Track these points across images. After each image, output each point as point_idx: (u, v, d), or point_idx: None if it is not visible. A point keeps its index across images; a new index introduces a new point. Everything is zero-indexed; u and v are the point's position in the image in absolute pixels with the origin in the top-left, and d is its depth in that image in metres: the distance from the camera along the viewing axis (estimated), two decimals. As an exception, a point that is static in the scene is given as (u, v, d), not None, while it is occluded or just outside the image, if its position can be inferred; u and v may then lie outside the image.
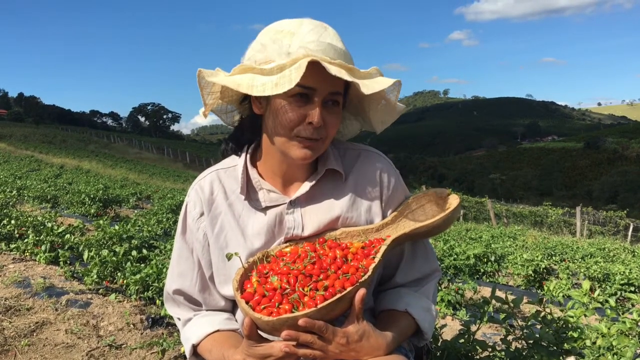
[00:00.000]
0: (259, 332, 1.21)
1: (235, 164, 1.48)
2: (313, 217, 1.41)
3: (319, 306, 1.15)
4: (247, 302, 1.21)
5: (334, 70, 1.19)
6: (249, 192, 1.43)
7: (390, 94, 1.41)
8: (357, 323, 1.22)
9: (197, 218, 1.45)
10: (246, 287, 1.26)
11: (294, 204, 1.41)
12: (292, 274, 1.23)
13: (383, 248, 1.31)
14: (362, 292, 1.21)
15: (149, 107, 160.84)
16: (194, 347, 1.42)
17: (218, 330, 1.42)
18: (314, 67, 1.20)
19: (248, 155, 1.46)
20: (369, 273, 1.24)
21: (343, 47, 1.31)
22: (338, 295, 1.17)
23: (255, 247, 1.39)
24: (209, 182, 1.46)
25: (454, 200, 1.44)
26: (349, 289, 1.19)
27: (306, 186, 1.41)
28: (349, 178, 1.45)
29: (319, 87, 1.25)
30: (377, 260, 1.28)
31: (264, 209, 1.42)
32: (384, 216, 1.45)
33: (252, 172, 1.43)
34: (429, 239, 1.57)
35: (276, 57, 1.27)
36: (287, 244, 1.39)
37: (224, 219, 1.43)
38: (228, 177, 1.46)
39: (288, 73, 1.20)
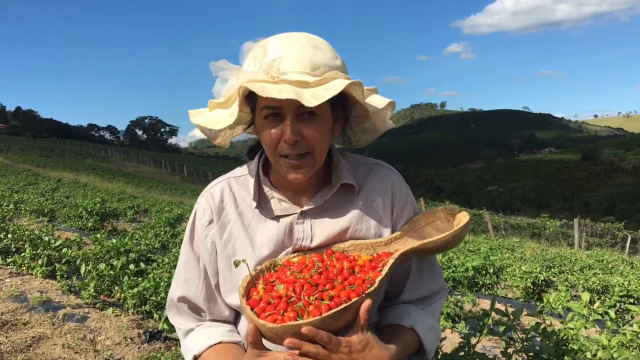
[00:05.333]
0: (264, 340, 1.21)
1: (246, 172, 1.49)
2: (322, 229, 1.41)
3: (323, 315, 1.15)
4: (252, 309, 1.21)
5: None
6: (260, 200, 1.43)
7: (381, 112, 1.38)
8: (361, 333, 1.21)
9: (206, 226, 1.45)
10: (252, 294, 1.26)
11: (305, 214, 1.41)
12: (298, 283, 1.23)
13: (390, 261, 1.31)
14: (367, 303, 1.20)
15: (146, 121, 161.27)
16: (195, 358, 1.42)
17: (221, 342, 1.41)
18: None
19: (260, 164, 1.46)
20: (376, 285, 1.24)
21: (308, 55, 1.27)
22: (343, 305, 1.17)
23: (263, 256, 1.39)
24: (219, 189, 1.47)
25: (463, 217, 1.44)
26: (354, 299, 1.19)
27: (320, 199, 1.41)
28: (361, 192, 1.45)
29: (284, 104, 1.23)
30: (384, 273, 1.27)
31: (275, 218, 1.42)
32: (393, 231, 1.45)
33: (264, 181, 1.44)
34: (436, 257, 1.57)
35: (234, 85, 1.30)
36: (295, 254, 1.39)
37: (233, 227, 1.43)
38: (239, 186, 1.47)
39: (229, 111, 1.29)
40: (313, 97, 1.17)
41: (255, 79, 1.23)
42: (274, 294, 1.23)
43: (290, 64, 1.25)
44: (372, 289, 1.23)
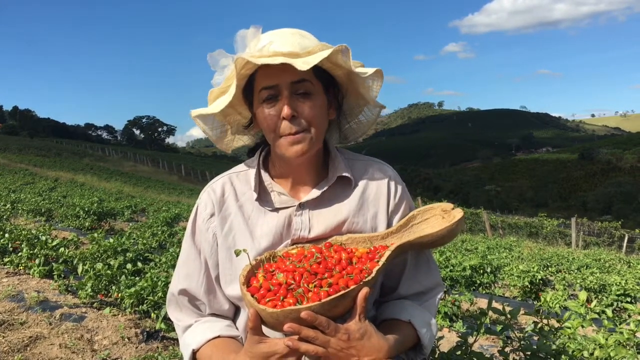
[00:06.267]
0: (263, 328, 1.23)
1: (247, 168, 1.53)
2: (320, 220, 1.44)
3: (322, 301, 1.17)
4: (252, 295, 1.23)
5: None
6: (261, 193, 1.47)
7: (369, 82, 1.44)
8: (359, 321, 1.23)
9: (208, 219, 1.48)
10: (252, 283, 1.29)
11: (303, 206, 1.44)
12: (297, 272, 1.26)
13: (387, 253, 1.34)
14: (365, 290, 1.22)
15: (144, 120, 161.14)
16: (194, 353, 1.43)
17: (219, 336, 1.42)
18: (266, 68, 1.32)
19: (261, 159, 1.51)
20: (373, 274, 1.27)
21: (297, 40, 1.35)
22: (342, 292, 1.19)
23: (262, 247, 1.42)
24: (220, 184, 1.51)
25: (458, 213, 1.47)
26: (352, 286, 1.21)
27: (317, 192, 1.45)
28: (357, 185, 1.49)
29: (278, 82, 1.32)
30: (381, 263, 1.30)
31: (275, 210, 1.45)
32: (389, 225, 1.49)
33: (264, 175, 1.48)
34: (432, 253, 1.60)
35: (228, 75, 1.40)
36: (294, 246, 1.42)
37: (234, 220, 1.46)
38: (240, 181, 1.51)
39: (229, 91, 1.34)
40: (305, 64, 1.24)
41: (251, 55, 1.30)
42: (274, 282, 1.25)
43: (281, 46, 1.32)
44: (369, 277, 1.25)
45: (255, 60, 1.25)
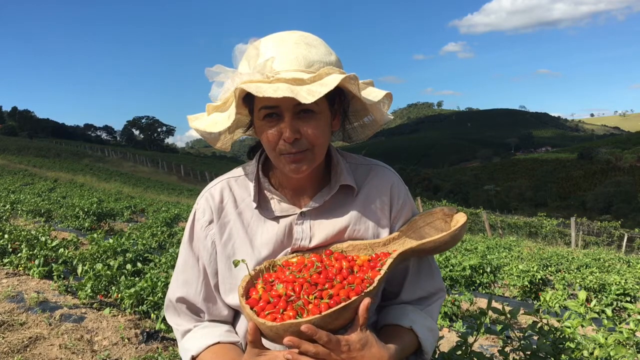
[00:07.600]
0: (263, 339, 1.22)
1: (246, 172, 1.48)
2: (321, 229, 1.41)
3: (323, 314, 1.15)
4: (251, 308, 1.21)
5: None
6: (260, 201, 1.43)
7: (378, 105, 1.38)
8: (360, 332, 1.21)
9: (206, 226, 1.44)
10: (251, 294, 1.26)
11: (304, 215, 1.41)
12: (297, 282, 1.24)
13: (389, 261, 1.31)
14: (367, 301, 1.20)
15: (143, 121, 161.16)
16: (193, 359, 1.41)
17: (219, 343, 1.40)
18: None
19: (260, 165, 1.46)
20: (375, 284, 1.24)
21: (302, 52, 1.27)
22: (343, 304, 1.17)
23: (262, 256, 1.40)
24: (219, 189, 1.47)
25: (461, 217, 1.44)
26: (353, 298, 1.19)
27: (319, 200, 1.41)
28: (360, 192, 1.46)
29: (281, 103, 1.24)
30: (382, 272, 1.28)
31: (275, 218, 1.42)
32: (391, 231, 1.46)
33: (264, 181, 1.44)
34: (434, 258, 1.57)
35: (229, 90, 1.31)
36: (294, 254, 1.39)
37: (233, 228, 1.43)
38: (239, 186, 1.47)
39: (227, 113, 1.27)
40: (309, 94, 1.17)
41: (251, 80, 1.22)
42: (273, 293, 1.23)
43: (284, 63, 1.25)
44: (371, 287, 1.23)
45: (256, 93, 1.16)
